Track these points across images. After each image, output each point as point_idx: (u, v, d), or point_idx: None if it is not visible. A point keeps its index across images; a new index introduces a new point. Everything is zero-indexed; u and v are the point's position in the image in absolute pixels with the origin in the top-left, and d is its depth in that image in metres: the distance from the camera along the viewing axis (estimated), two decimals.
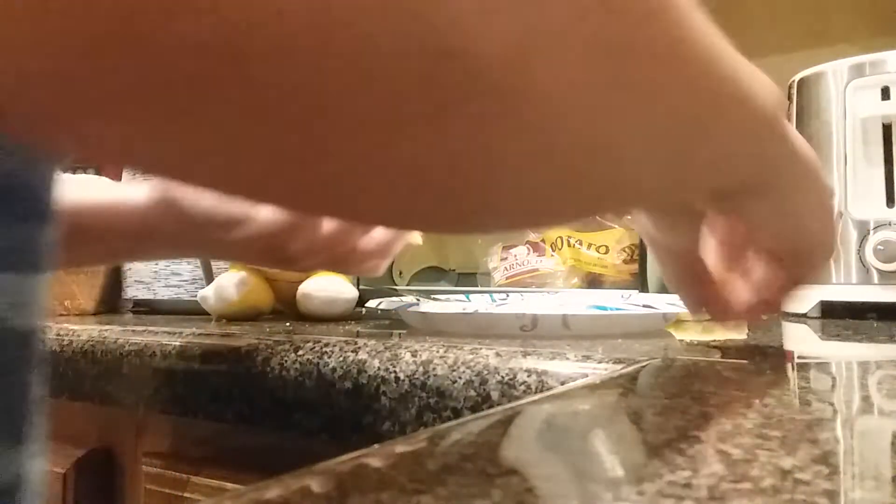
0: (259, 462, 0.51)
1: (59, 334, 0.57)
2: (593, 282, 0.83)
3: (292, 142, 0.15)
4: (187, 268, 0.74)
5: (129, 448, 0.59)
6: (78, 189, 0.42)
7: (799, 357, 0.38)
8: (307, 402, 0.43)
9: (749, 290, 0.32)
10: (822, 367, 0.33)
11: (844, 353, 0.41)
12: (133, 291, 0.77)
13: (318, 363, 0.43)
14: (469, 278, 1.00)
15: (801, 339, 0.48)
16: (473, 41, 0.14)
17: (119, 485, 0.60)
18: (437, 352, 0.40)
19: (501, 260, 0.88)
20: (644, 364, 0.33)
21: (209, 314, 0.65)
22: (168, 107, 0.14)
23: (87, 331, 0.56)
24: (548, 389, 0.36)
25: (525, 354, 0.38)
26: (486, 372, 0.38)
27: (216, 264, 0.69)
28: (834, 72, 0.63)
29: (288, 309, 0.66)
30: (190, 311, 0.73)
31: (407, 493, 0.15)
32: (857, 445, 0.19)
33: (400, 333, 0.48)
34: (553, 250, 0.84)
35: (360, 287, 0.71)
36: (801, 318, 0.63)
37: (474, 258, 0.98)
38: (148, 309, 0.79)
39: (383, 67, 0.14)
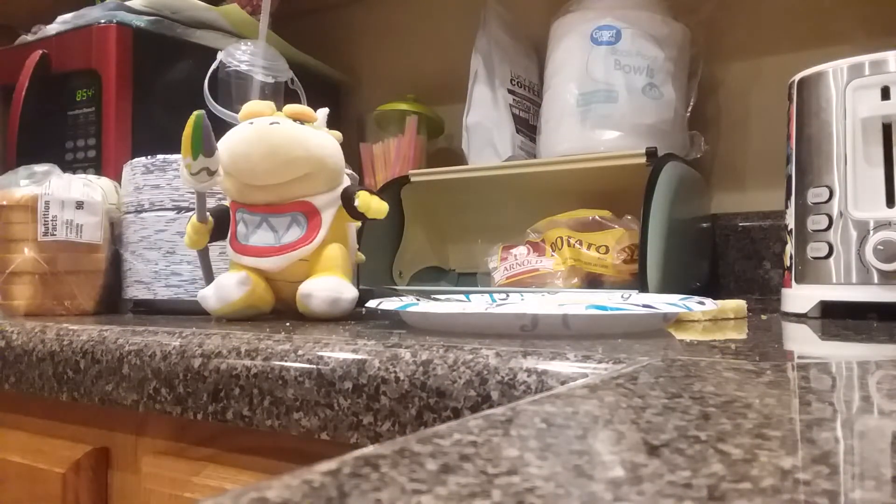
0: (259, 462, 0.51)
1: (59, 334, 0.57)
2: (593, 282, 0.83)
3: None
4: (187, 268, 0.74)
5: (129, 448, 0.59)
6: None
7: (799, 357, 0.38)
8: (307, 402, 0.43)
9: None
10: (822, 367, 0.33)
11: (844, 353, 0.41)
12: (133, 291, 0.77)
13: (318, 363, 0.43)
14: (469, 278, 1.00)
15: (801, 339, 0.48)
16: None
17: (119, 485, 0.60)
18: (437, 352, 0.40)
19: (501, 260, 0.88)
20: (644, 364, 0.33)
21: (209, 314, 0.65)
22: None
23: (87, 331, 0.56)
24: (548, 389, 0.36)
25: (525, 354, 0.38)
26: (486, 372, 0.38)
27: (216, 264, 0.69)
28: (834, 72, 0.63)
29: (288, 309, 0.66)
30: (190, 311, 0.73)
31: (407, 493, 0.15)
32: (857, 445, 0.19)
33: (400, 333, 0.48)
34: (553, 250, 0.84)
35: (360, 287, 0.71)
36: (801, 318, 0.63)
37: (474, 258, 0.98)
38: (148, 309, 0.79)
39: None
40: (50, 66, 0.98)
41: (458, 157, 1.13)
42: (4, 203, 0.74)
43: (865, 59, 0.61)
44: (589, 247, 0.82)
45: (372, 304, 0.55)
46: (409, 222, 1.00)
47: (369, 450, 0.18)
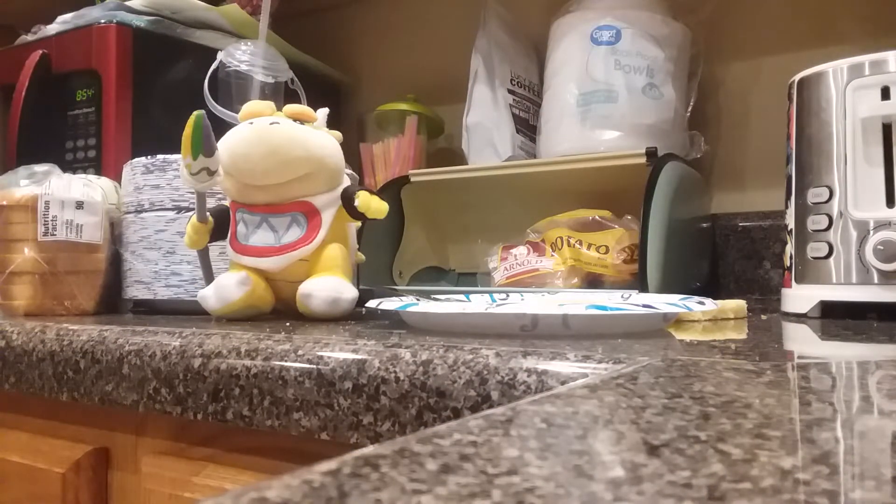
0: (259, 462, 0.51)
1: (59, 334, 0.57)
2: (593, 282, 0.83)
3: None
4: (187, 268, 0.74)
5: (129, 448, 0.59)
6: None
7: (799, 357, 0.38)
8: (307, 402, 0.43)
9: None
10: (822, 367, 0.33)
11: (844, 353, 0.41)
12: (133, 291, 0.77)
13: (318, 363, 0.43)
14: (469, 278, 1.00)
15: (801, 339, 0.48)
16: None
17: (119, 485, 0.60)
18: (437, 352, 0.40)
19: (501, 260, 0.88)
20: (644, 364, 0.33)
21: (209, 314, 0.64)
22: None
23: (87, 331, 0.56)
24: (548, 389, 0.36)
25: (525, 354, 0.38)
26: (486, 372, 0.38)
27: (216, 264, 0.69)
28: (834, 72, 0.63)
29: (288, 309, 0.66)
30: (190, 311, 0.73)
31: (407, 493, 0.15)
32: (857, 445, 0.19)
33: (400, 333, 0.48)
34: (553, 250, 0.84)
35: (360, 287, 0.71)
36: (801, 318, 0.63)
37: (474, 258, 0.98)
38: (148, 309, 0.79)
39: None
40: (50, 66, 0.98)
41: (458, 157, 1.13)
42: (4, 203, 0.74)
43: (865, 59, 0.61)
44: (589, 247, 0.82)
45: (372, 304, 0.55)
46: (409, 222, 1.00)
47: (369, 450, 0.18)
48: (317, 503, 0.14)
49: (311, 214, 0.63)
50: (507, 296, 0.68)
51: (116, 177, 0.84)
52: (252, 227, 0.64)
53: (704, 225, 0.94)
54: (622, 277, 0.81)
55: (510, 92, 1.03)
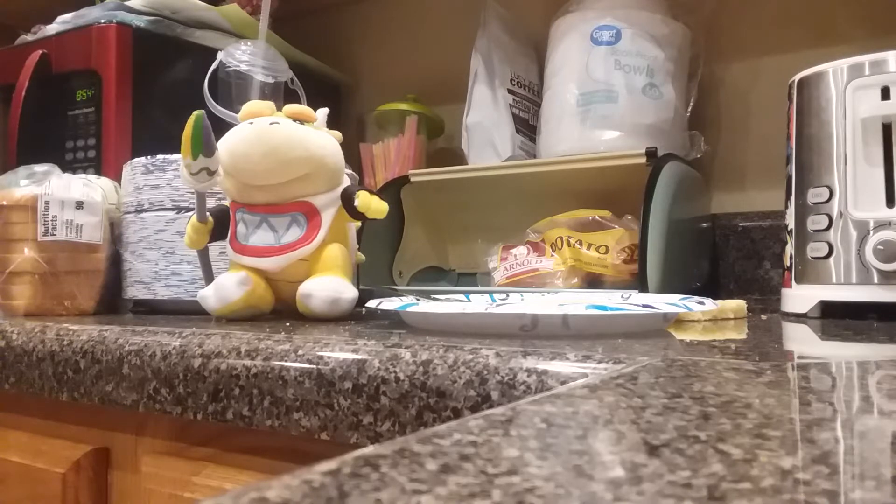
0: (259, 462, 0.51)
1: (59, 334, 0.57)
2: (593, 282, 0.83)
3: None
4: (187, 268, 0.74)
5: (129, 448, 0.59)
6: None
7: (799, 357, 0.38)
8: (307, 402, 0.43)
9: None
10: (822, 367, 0.33)
11: (844, 353, 0.41)
12: (133, 291, 0.77)
13: (318, 363, 0.43)
14: (469, 278, 1.00)
15: (801, 339, 0.48)
16: None
17: (119, 485, 0.60)
18: (437, 352, 0.40)
19: (501, 260, 0.88)
20: (644, 364, 0.33)
21: (209, 314, 0.64)
22: None
23: (87, 331, 0.56)
24: (548, 389, 0.36)
25: (525, 354, 0.38)
26: (486, 372, 0.38)
27: (216, 264, 0.69)
28: (834, 72, 0.63)
29: (288, 309, 0.66)
30: (190, 311, 0.73)
31: (407, 493, 0.15)
32: (857, 445, 0.19)
33: (400, 333, 0.48)
34: (553, 250, 0.84)
35: (360, 287, 0.71)
36: (801, 318, 0.63)
37: (474, 258, 0.98)
38: (148, 309, 0.79)
39: None
40: (50, 66, 0.98)
41: (458, 157, 1.13)
42: (4, 203, 0.74)
43: (865, 59, 0.61)
44: (589, 247, 0.82)
45: (372, 304, 0.55)
46: (409, 222, 1.00)
47: (369, 450, 0.18)
48: (317, 503, 0.14)
49: (311, 214, 0.63)
50: (507, 296, 0.68)
51: (116, 177, 0.84)
52: (252, 227, 0.64)
53: (704, 225, 0.94)
54: (622, 277, 0.81)
55: (510, 92, 1.03)
